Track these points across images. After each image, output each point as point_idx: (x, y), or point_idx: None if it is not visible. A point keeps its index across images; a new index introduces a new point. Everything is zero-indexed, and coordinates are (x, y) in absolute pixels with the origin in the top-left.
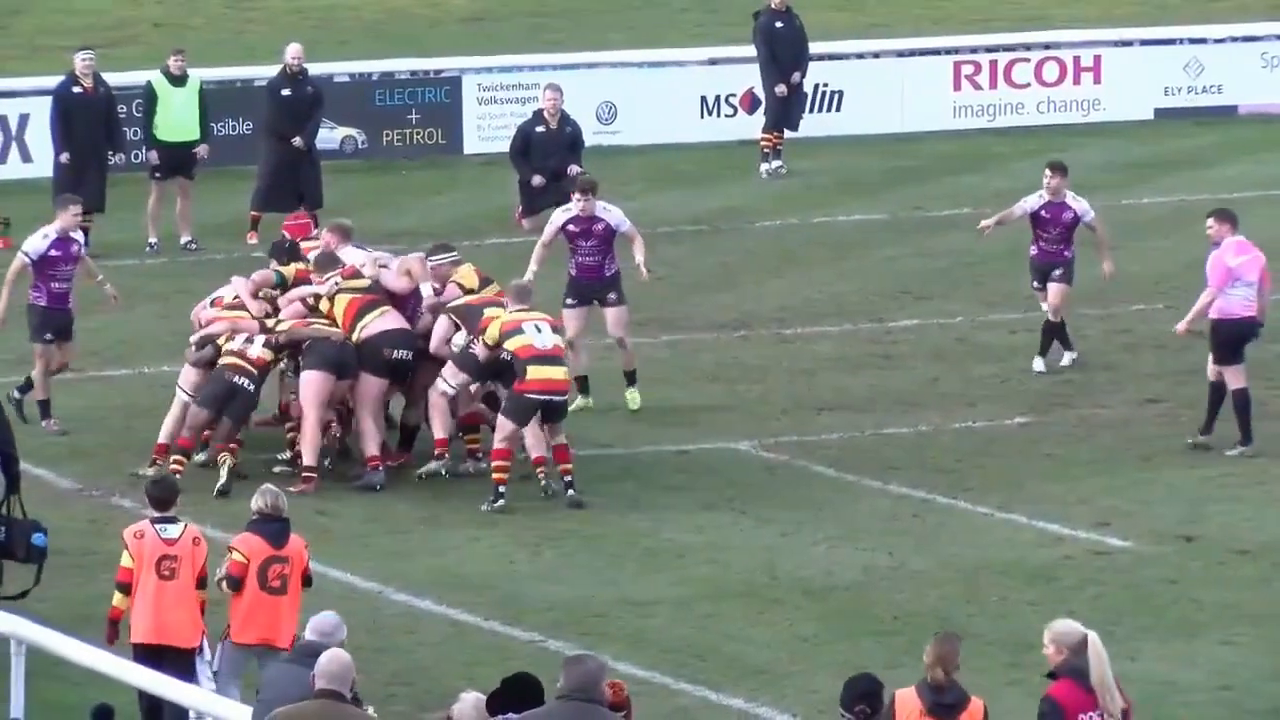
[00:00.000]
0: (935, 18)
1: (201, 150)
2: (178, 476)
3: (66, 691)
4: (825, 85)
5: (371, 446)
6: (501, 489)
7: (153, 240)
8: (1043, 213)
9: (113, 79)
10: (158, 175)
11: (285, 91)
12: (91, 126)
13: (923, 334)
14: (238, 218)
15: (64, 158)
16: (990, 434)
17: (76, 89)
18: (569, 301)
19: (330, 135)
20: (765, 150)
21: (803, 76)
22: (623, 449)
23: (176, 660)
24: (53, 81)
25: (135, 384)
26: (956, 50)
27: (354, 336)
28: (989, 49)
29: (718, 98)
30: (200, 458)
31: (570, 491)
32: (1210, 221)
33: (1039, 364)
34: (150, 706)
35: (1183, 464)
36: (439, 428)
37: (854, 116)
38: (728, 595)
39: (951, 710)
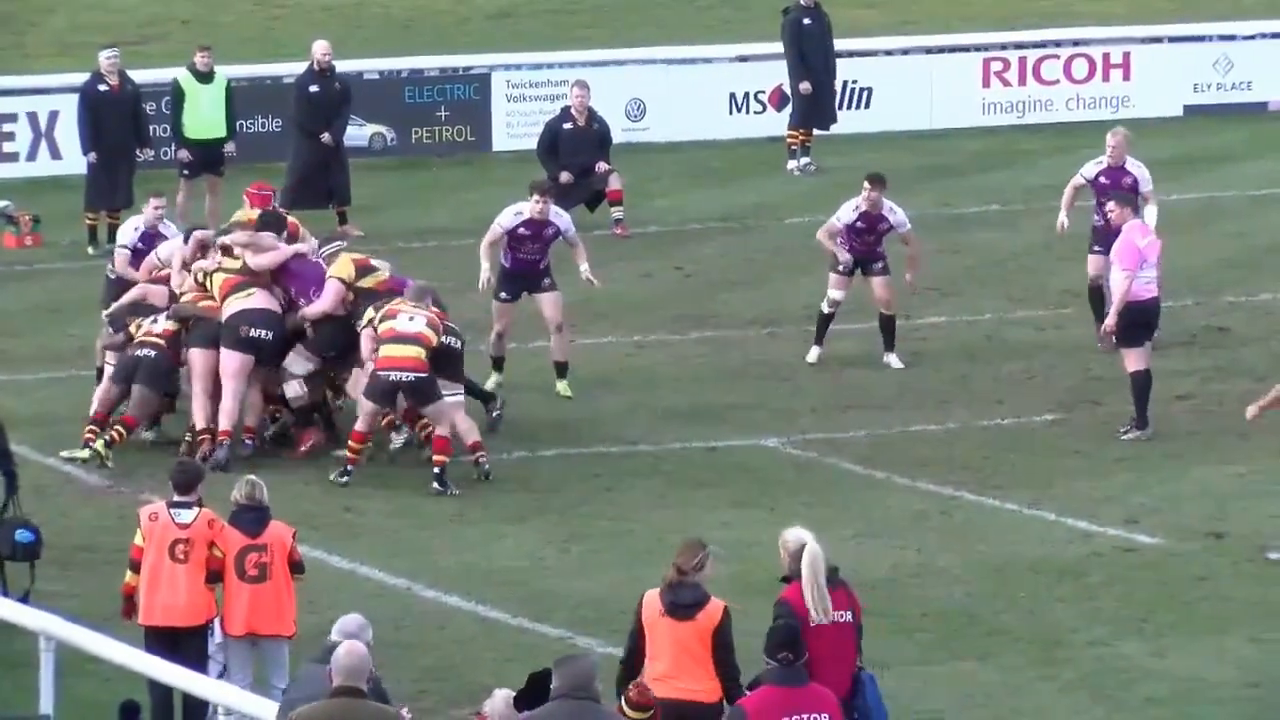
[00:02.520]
0: (965, 15)
1: (229, 147)
2: (99, 452)
3: (97, 688)
4: (854, 82)
5: (225, 421)
6: (351, 468)
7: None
8: (859, 223)
9: (141, 76)
10: (186, 173)
11: (313, 88)
12: (120, 124)
13: (951, 331)
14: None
15: (91, 157)
16: (1019, 431)
17: (103, 87)
18: (502, 295)
19: (359, 132)
20: (793, 147)
21: (833, 77)
22: (651, 446)
23: (188, 642)
24: (83, 79)
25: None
26: (986, 47)
27: (223, 314)
28: (1018, 46)
29: (746, 94)
30: (148, 435)
31: (435, 484)
32: (1111, 205)
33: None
34: (162, 700)
35: (1212, 460)
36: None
37: (883, 113)
38: (756, 592)
39: (690, 610)
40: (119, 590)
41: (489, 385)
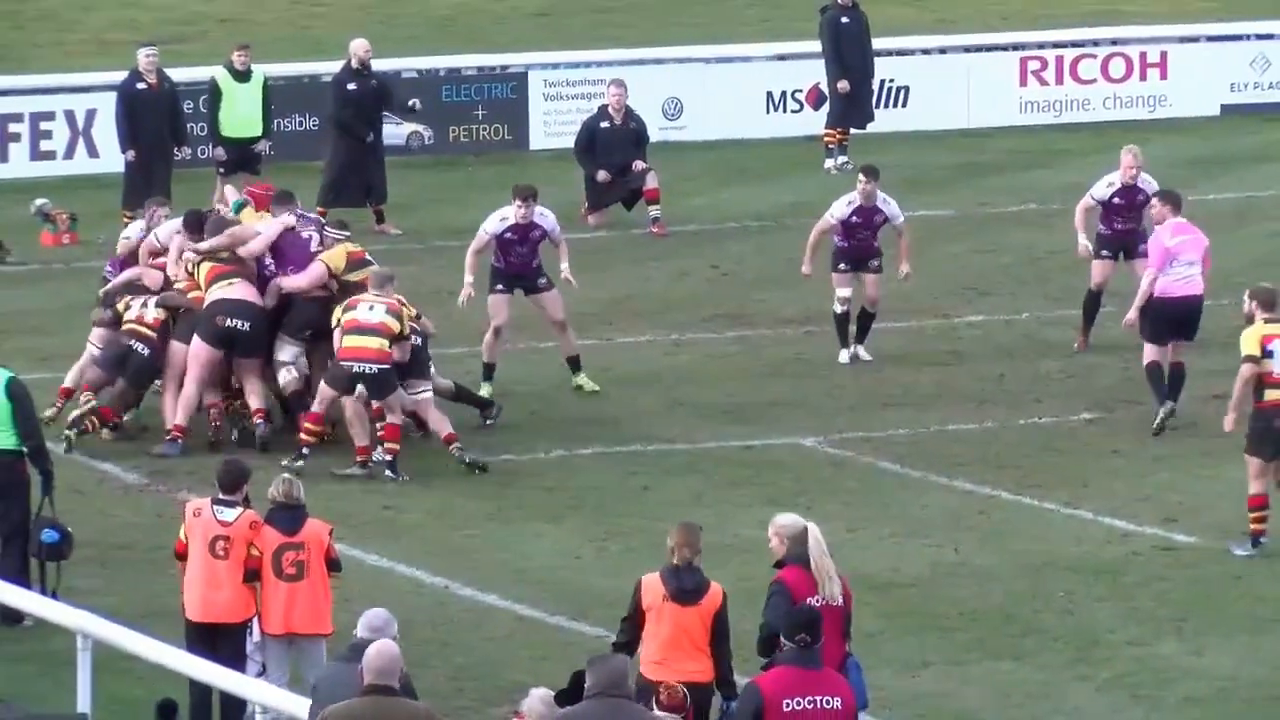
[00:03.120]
0: (1002, 13)
1: (263, 145)
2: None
3: (133, 686)
4: (892, 81)
5: (181, 416)
6: (305, 450)
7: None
8: (854, 217)
9: (179, 75)
10: (223, 170)
11: (351, 86)
12: (157, 123)
13: (989, 330)
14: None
15: (129, 155)
16: (1056, 430)
17: (141, 85)
18: (498, 287)
19: (397, 131)
20: (830, 146)
21: (870, 76)
22: (688, 444)
23: (227, 639)
24: (121, 77)
25: None
26: (1023, 46)
27: (204, 302)
28: (1055, 45)
29: (784, 93)
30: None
31: (388, 472)
32: (1155, 203)
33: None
34: (201, 698)
35: (1242, 459)
36: (360, 435)
37: (921, 112)
38: None
39: (694, 595)
40: (157, 588)
41: (482, 394)
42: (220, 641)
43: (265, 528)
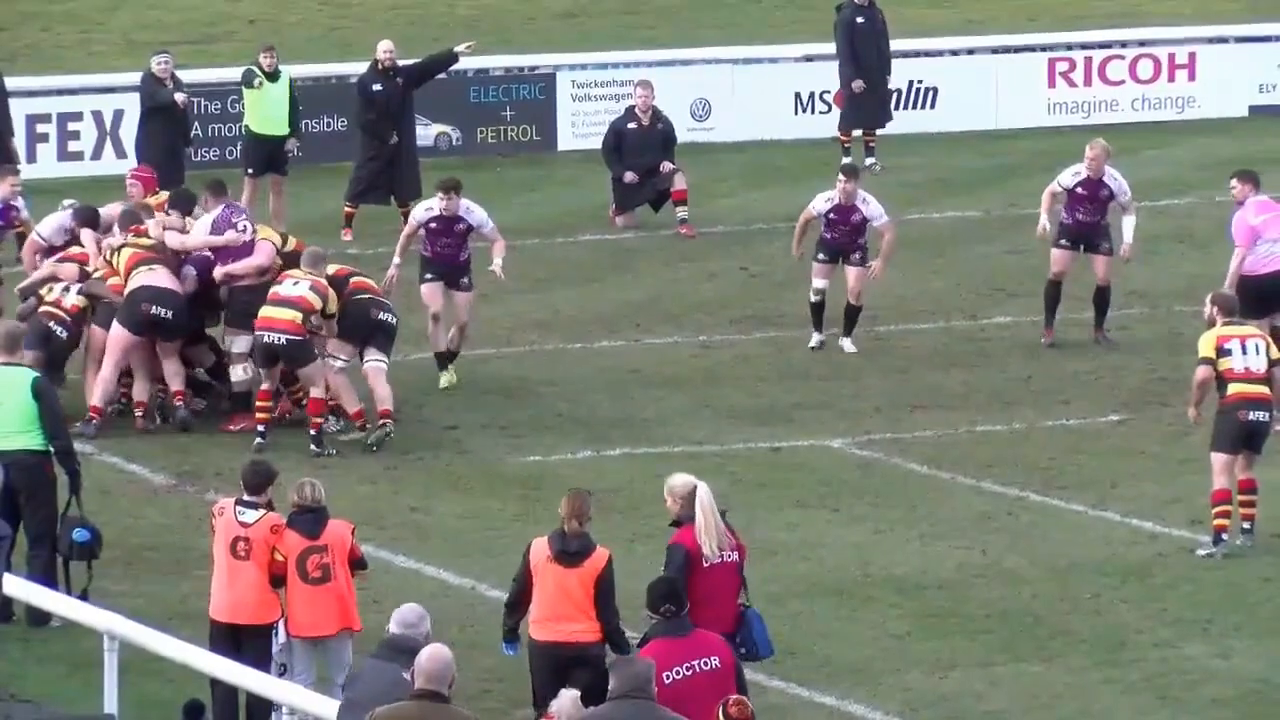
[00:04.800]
0: (1030, 14)
1: (292, 144)
2: None
3: (160, 687)
4: (920, 82)
5: (98, 397)
6: (262, 429)
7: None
8: (832, 214)
9: (207, 75)
10: (251, 172)
11: (376, 87)
12: (173, 128)
13: (1017, 331)
14: (331, 214)
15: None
16: (1084, 431)
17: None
18: (427, 276)
19: (425, 132)
20: (846, 146)
21: (888, 74)
22: (716, 446)
23: (252, 639)
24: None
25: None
26: (1051, 47)
27: (126, 288)
28: (1083, 46)
29: (812, 94)
30: None
31: (312, 446)
32: (1234, 182)
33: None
34: (226, 699)
35: (1278, 462)
36: (350, 402)
37: (948, 113)
38: (820, 593)
39: (576, 557)
40: (183, 589)
41: (442, 385)
42: (245, 643)
43: (288, 532)
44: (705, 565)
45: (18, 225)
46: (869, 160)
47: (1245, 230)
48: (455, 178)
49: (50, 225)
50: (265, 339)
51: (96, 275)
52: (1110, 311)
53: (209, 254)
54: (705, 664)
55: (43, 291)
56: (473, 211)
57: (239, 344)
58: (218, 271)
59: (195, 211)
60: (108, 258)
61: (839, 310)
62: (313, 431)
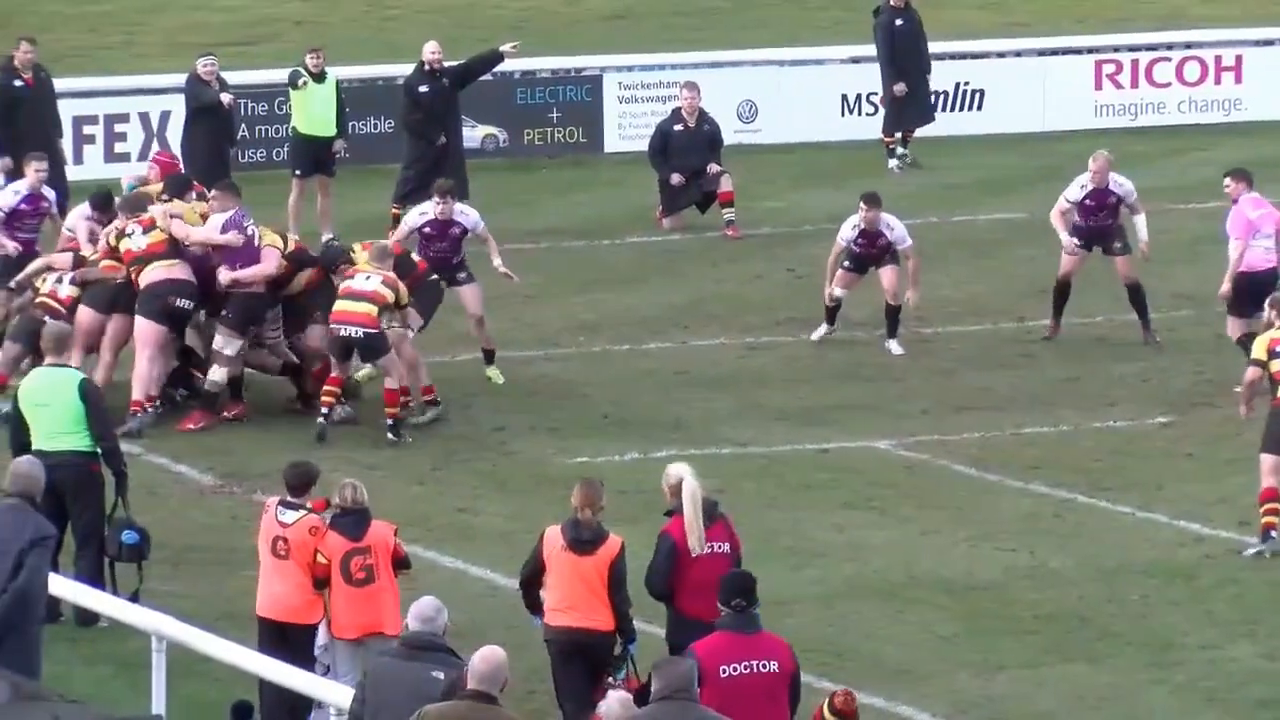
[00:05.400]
0: (1077, 16)
1: (339, 145)
2: None
3: (207, 688)
4: (966, 84)
5: (138, 391)
6: (327, 410)
7: (294, 237)
8: (860, 240)
9: (253, 77)
10: (298, 172)
11: (422, 89)
12: (218, 129)
13: (1063, 333)
14: (379, 215)
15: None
16: (1131, 433)
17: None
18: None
19: (471, 134)
20: (890, 147)
21: (928, 73)
22: (762, 448)
23: (295, 637)
24: None
25: (276, 381)
26: (1098, 49)
27: (140, 282)
28: (1130, 48)
29: (859, 96)
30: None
31: (389, 435)
32: (1227, 180)
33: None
34: (274, 697)
35: None
36: (424, 376)
37: (995, 115)
38: (867, 594)
39: (589, 545)
40: (230, 590)
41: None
42: (290, 641)
43: (330, 534)
44: (693, 555)
45: (47, 213)
46: (901, 151)
47: (1244, 223)
48: (450, 181)
49: (73, 218)
50: (342, 333)
51: (92, 258)
52: (1156, 314)
53: (203, 253)
54: (763, 665)
55: (38, 283)
56: (467, 214)
57: (230, 347)
58: (224, 276)
59: (211, 207)
60: (110, 242)
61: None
62: (390, 421)
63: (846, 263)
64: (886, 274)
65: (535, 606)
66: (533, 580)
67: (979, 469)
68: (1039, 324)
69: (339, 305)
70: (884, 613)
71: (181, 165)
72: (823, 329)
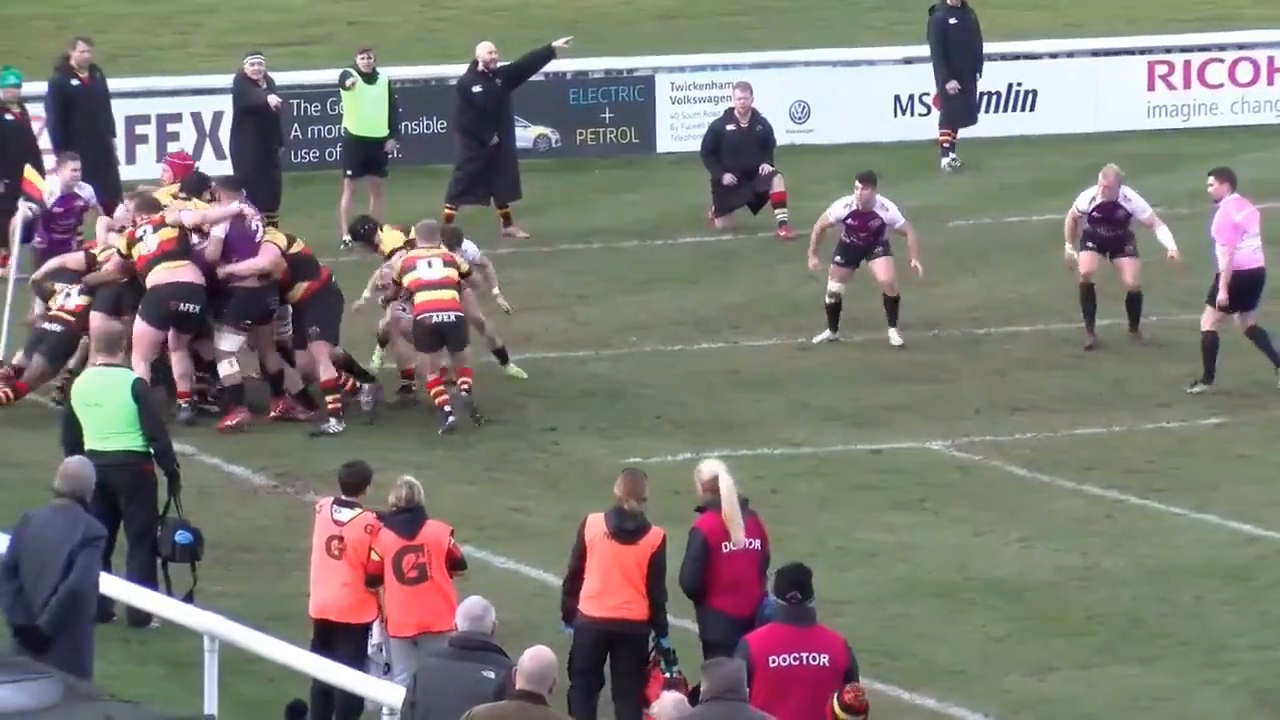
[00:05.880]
0: (1129, 17)
1: (391, 145)
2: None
3: (259, 688)
4: (1019, 85)
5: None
6: (447, 409)
7: (346, 238)
8: (850, 220)
9: (305, 77)
10: (350, 173)
11: (475, 89)
12: (266, 129)
13: (1115, 333)
14: (431, 216)
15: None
16: (1184, 434)
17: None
18: None
19: (524, 134)
20: (944, 145)
21: (979, 74)
22: (814, 448)
23: (346, 636)
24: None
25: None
26: (1150, 50)
27: (147, 283)
28: (1183, 49)
29: (911, 97)
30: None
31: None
32: (1211, 180)
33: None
34: (324, 691)
35: None
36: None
37: (1048, 116)
38: (919, 595)
39: (632, 535)
40: (283, 590)
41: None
42: (339, 641)
43: (384, 532)
44: (725, 551)
45: (82, 212)
46: (950, 155)
47: (1230, 228)
48: (458, 228)
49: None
50: (433, 319)
51: (104, 260)
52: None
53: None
54: (814, 659)
55: (51, 302)
56: (466, 251)
57: (229, 342)
58: (221, 270)
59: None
60: (124, 251)
61: (939, 314)
62: (464, 392)
63: (838, 256)
64: (880, 267)
65: (573, 612)
66: (576, 576)
67: (1031, 470)
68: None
69: (421, 297)
70: (936, 613)
71: (196, 165)
72: (825, 334)
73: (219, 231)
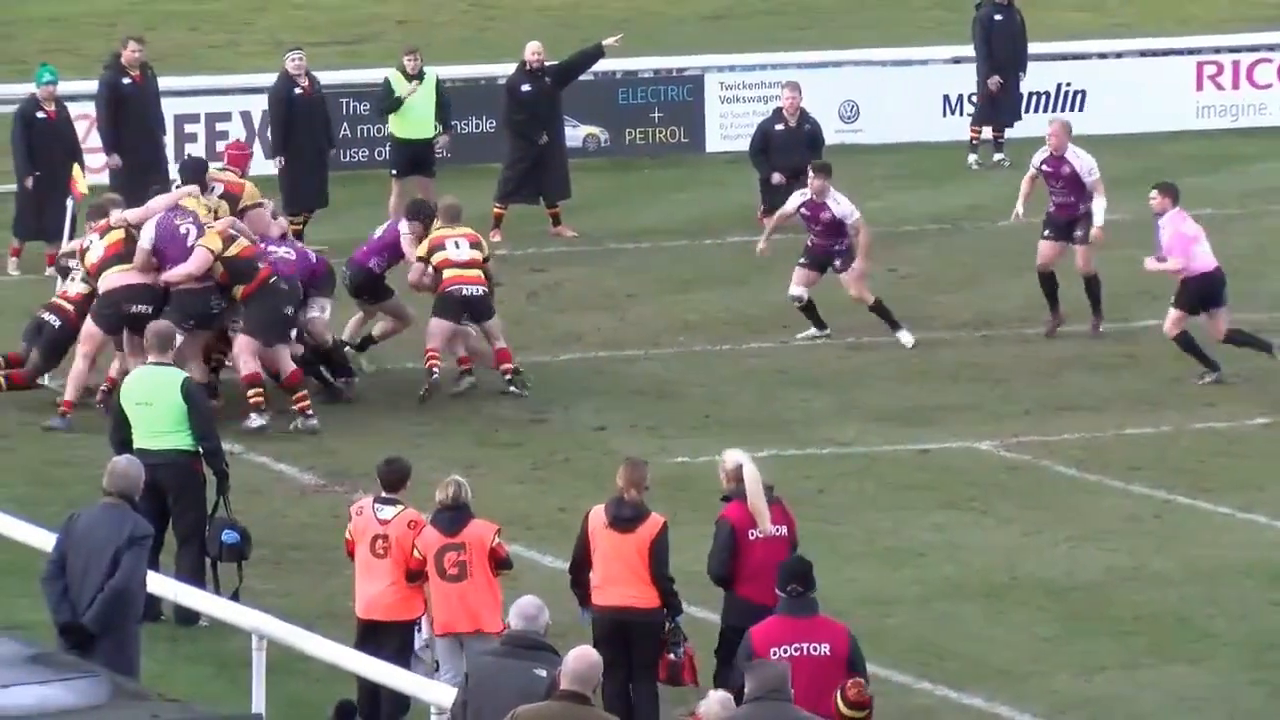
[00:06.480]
0: (1178, 18)
1: (443, 142)
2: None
3: (307, 687)
4: (1068, 85)
5: (70, 392)
6: (435, 375)
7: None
8: (804, 210)
9: (355, 76)
10: (396, 173)
11: (525, 88)
12: (312, 126)
13: (1164, 334)
14: (481, 215)
15: (281, 161)
16: (1232, 434)
17: (297, 90)
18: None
19: (573, 133)
20: (974, 141)
21: (1023, 73)
22: (863, 448)
23: (388, 636)
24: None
25: (374, 380)
26: (1199, 51)
27: (100, 288)
28: (1231, 49)
29: (960, 96)
30: None
31: (513, 389)
32: (1154, 194)
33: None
34: (371, 690)
35: None
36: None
37: (1096, 116)
38: (968, 595)
39: (630, 523)
40: (331, 589)
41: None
42: (385, 639)
43: (427, 529)
44: (751, 540)
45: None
46: (997, 157)
47: (1182, 241)
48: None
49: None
50: (463, 292)
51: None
52: (1257, 315)
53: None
54: (815, 649)
55: (65, 283)
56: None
57: None
58: (159, 279)
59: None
60: (84, 263)
61: (989, 314)
62: (507, 376)
63: (802, 259)
64: (848, 282)
65: (585, 599)
66: (580, 563)
67: (1080, 470)
68: (1140, 324)
69: (450, 273)
70: (984, 613)
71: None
72: (810, 331)
73: (144, 242)
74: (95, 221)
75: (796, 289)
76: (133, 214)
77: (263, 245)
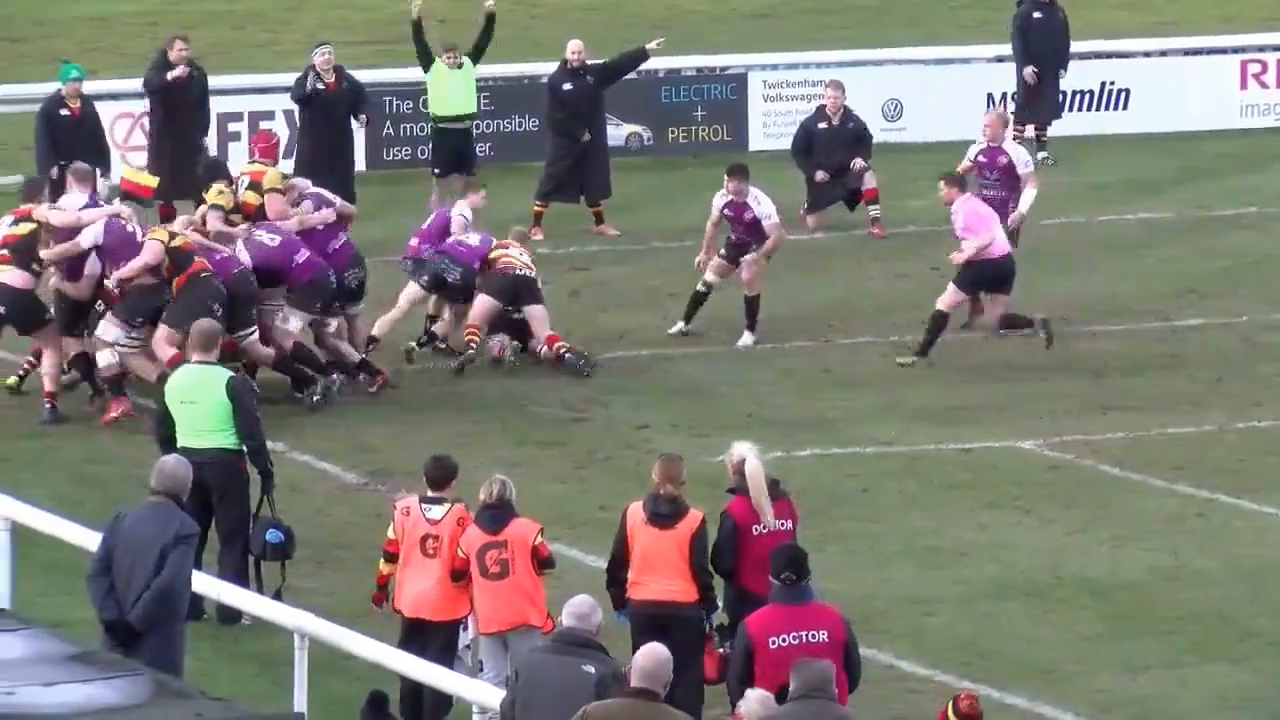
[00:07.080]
0: (1223, 16)
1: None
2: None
3: (349, 686)
4: (1112, 83)
5: (48, 384)
6: (472, 351)
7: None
8: (727, 211)
9: (396, 75)
10: (437, 172)
11: (566, 87)
12: (336, 123)
13: (1207, 333)
14: (522, 213)
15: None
16: (1276, 433)
17: (320, 86)
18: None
19: (616, 132)
20: (1016, 140)
21: (1063, 71)
22: (905, 447)
23: (435, 635)
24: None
25: (409, 380)
26: (1244, 49)
27: None
28: (1275, 48)
29: (1004, 95)
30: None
31: (568, 356)
32: (941, 185)
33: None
34: (412, 688)
35: None
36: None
37: (1141, 115)
38: (1010, 594)
39: (669, 519)
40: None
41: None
42: (430, 639)
43: (471, 527)
44: (756, 534)
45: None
46: (1041, 155)
47: (979, 218)
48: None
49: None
50: (516, 270)
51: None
52: None
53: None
54: (812, 636)
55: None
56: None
57: (112, 333)
58: (111, 279)
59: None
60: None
61: (1030, 313)
62: (569, 356)
63: (722, 250)
64: (743, 264)
65: (620, 598)
66: (619, 559)
67: (1124, 469)
68: (1184, 324)
69: (504, 254)
70: (1027, 613)
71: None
72: (679, 325)
73: (85, 242)
74: (26, 201)
75: (710, 276)
76: (56, 216)
77: (249, 233)
